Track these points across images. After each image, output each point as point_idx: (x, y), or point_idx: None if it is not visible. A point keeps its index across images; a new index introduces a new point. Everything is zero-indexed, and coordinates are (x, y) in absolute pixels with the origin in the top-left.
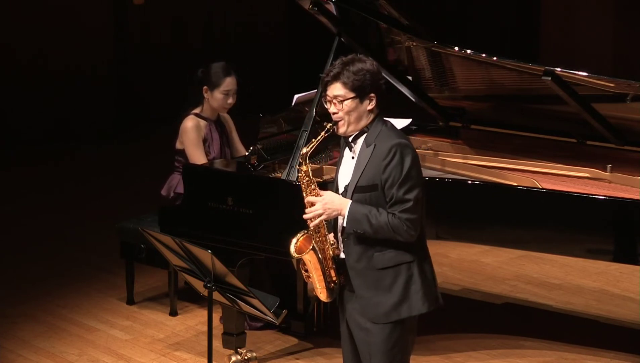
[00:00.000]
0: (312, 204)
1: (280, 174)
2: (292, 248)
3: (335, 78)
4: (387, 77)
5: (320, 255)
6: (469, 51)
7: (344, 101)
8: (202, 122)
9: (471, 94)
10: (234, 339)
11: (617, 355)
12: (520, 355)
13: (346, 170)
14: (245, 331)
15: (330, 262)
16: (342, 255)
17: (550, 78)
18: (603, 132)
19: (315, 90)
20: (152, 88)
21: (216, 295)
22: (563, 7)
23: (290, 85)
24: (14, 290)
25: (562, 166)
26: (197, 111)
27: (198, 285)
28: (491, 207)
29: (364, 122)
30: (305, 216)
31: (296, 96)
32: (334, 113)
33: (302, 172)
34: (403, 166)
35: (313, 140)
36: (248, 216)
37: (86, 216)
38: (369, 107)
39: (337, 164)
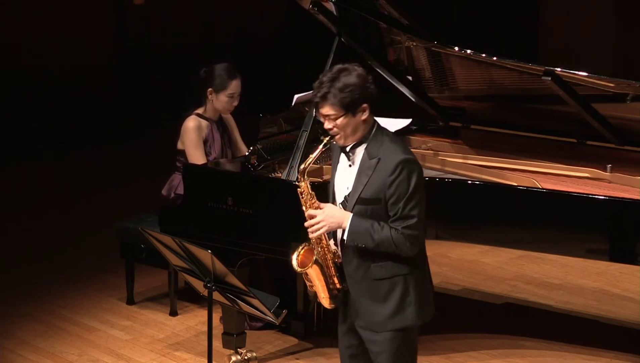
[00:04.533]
0: (313, 217)
1: (280, 174)
2: (294, 263)
3: (324, 99)
4: (387, 77)
5: (322, 265)
6: (469, 51)
7: (336, 119)
8: (204, 123)
9: (471, 94)
10: (234, 339)
11: (617, 355)
12: (520, 355)
13: (343, 177)
14: (245, 331)
15: (332, 270)
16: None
17: (550, 78)
18: (603, 133)
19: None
20: (152, 88)
21: (216, 295)
22: (563, 7)
23: (290, 85)
24: (14, 290)
25: (562, 166)
26: (199, 111)
27: (198, 285)
28: (491, 207)
29: (361, 133)
30: (308, 230)
31: (296, 96)
32: (330, 129)
33: (301, 187)
34: (410, 183)
35: (310, 156)
36: (248, 216)
37: (86, 216)
38: (363, 118)
39: (332, 169)
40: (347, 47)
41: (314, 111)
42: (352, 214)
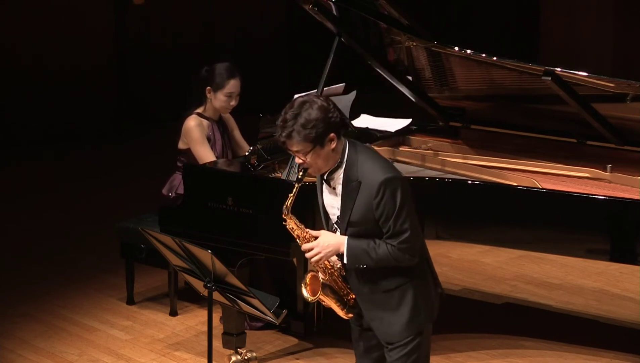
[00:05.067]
0: (309, 250)
1: (280, 174)
2: (305, 294)
3: (289, 138)
4: (387, 77)
5: (331, 286)
6: (469, 51)
7: (306, 154)
8: (205, 122)
9: (471, 94)
10: (234, 339)
11: (617, 355)
12: (520, 355)
13: (331, 200)
14: (245, 331)
15: (342, 284)
16: None
17: (550, 78)
18: (603, 133)
19: (315, 90)
20: (152, 88)
21: (216, 295)
22: (563, 7)
23: (290, 85)
24: (14, 290)
25: (562, 166)
26: (199, 110)
27: (198, 285)
28: (491, 207)
29: (333, 160)
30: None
31: (296, 96)
32: (301, 163)
33: (289, 225)
34: (395, 201)
35: (290, 195)
36: (248, 216)
37: (86, 216)
38: (332, 147)
39: (318, 191)
40: (347, 47)
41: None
42: (346, 238)
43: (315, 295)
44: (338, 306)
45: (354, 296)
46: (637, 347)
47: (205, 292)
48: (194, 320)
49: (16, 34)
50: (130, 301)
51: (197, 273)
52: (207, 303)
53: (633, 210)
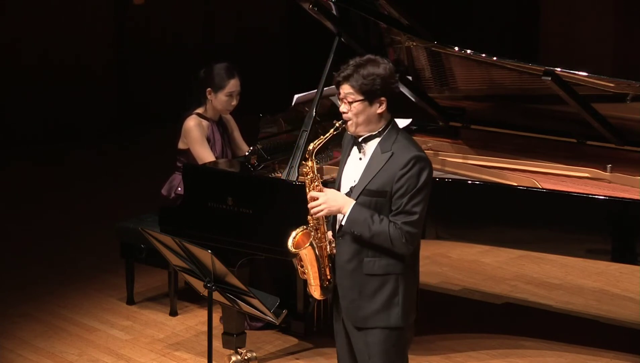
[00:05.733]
0: (315, 199)
1: (280, 174)
2: (289, 242)
3: (345, 79)
4: None
5: (317, 252)
6: (469, 51)
7: (352, 102)
8: (205, 123)
9: (471, 94)
10: (234, 339)
11: (617, 355)
12: (520, 355)
13: (352, 169)
14: (245, 331)
15: (326, 260)
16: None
17: (550, 78)
18: (603, 133)
19: (315, 90)
20: (152, 88)
21: (216, 295)
22: (563, 7)
23: (290, 85)
24: (14, 290)
25: (562, 166)
26: (199, 111)
27: (198, 285)
28: (491, 207)
29: (374, 126)
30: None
31: (296, 96)
32: (344, 112)
33: (307, 167)
34: (419, 179)
35: (321, 136)
36: (248, 216)
37: (86, 216)
38: (379, 111)
39: (341, 163)
40: (347, 47)
41: (314, 110)
42: (354, 201)
43: (297, 249)
44: (315, 278)
45: (330, 278)
46: (637, 347)
47: (205, 292)
48: (194, 320)
49: (16, 34)
50: (130, 301)
51: (197, 273)
52: (207, 303)
53: (633, 210)
